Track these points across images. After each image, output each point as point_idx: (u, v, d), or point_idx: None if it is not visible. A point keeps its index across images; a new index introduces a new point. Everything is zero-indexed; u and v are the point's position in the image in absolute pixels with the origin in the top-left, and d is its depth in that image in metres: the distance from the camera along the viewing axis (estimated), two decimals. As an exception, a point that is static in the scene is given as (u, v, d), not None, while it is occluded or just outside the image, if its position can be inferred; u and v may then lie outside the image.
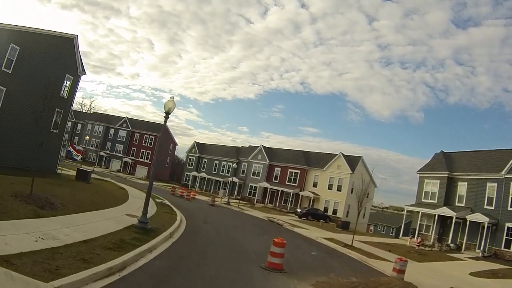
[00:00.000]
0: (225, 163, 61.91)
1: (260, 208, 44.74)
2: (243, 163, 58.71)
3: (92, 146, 76.53)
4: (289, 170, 52.70)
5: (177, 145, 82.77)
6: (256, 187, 54.62)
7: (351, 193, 48.09)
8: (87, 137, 69.26)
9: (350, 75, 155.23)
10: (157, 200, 25.28)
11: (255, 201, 52.73)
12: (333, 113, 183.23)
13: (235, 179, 55.19)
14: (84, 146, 76.95)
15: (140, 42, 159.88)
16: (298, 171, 51.85)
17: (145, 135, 72.89)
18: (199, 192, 55.90)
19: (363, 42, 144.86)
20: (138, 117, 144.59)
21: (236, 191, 56.35)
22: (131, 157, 72.87)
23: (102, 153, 74.32)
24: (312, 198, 48.40)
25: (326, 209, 47.18)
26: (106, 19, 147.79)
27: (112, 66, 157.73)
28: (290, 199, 50.35)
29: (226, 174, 59.82)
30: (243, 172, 57.92)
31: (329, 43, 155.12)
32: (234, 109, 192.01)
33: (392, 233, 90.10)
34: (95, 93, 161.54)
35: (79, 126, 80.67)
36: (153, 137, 72.07)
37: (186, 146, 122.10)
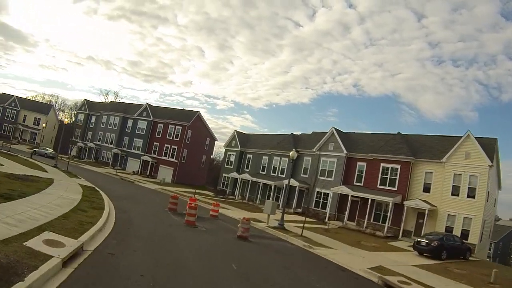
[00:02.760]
0: (278, 158, 42.08)
1: (339, 233, 25.31)
2: (305, 158, 38.85)
3: (106, 143, 61.00)
4: (382, 165, 32.46)
5: (216, 140, 63.89)
6: (328, 194, 34.98)
7: (487, 200, 27.51)
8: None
9: (402, 75, 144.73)
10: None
11: (326, 217, 33.27)
12: (387, 115, 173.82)
13: (294, 183, 35.91)
14: (97, 143, 61.73)
15: (190, 50, 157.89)
16: (398, 166, 31.41)
17: (170, 125, 55.06)
18: (239, 203, 37.29)
19: (413, 41, 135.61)
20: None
21: (295, 202, 36.76)
22: (152, 155, 55.26)
23: (116, 150, 58.17)
24: (426, 213, 27.99)
25: (449, 230, 26.90)
26: (153, 28, 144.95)
27: (163, 74, 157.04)
28: (386, 214, 30.33)
29: (280, 175, 40.49)
30: (305, 172, 38.44)
31: (379, 43, 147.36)
32: (288, 114, 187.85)
33: (489, 249, 66.78)
34: (149, 101, 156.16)
35: (93, 119, 65.74)
36: (180, 127, 54.15)
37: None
